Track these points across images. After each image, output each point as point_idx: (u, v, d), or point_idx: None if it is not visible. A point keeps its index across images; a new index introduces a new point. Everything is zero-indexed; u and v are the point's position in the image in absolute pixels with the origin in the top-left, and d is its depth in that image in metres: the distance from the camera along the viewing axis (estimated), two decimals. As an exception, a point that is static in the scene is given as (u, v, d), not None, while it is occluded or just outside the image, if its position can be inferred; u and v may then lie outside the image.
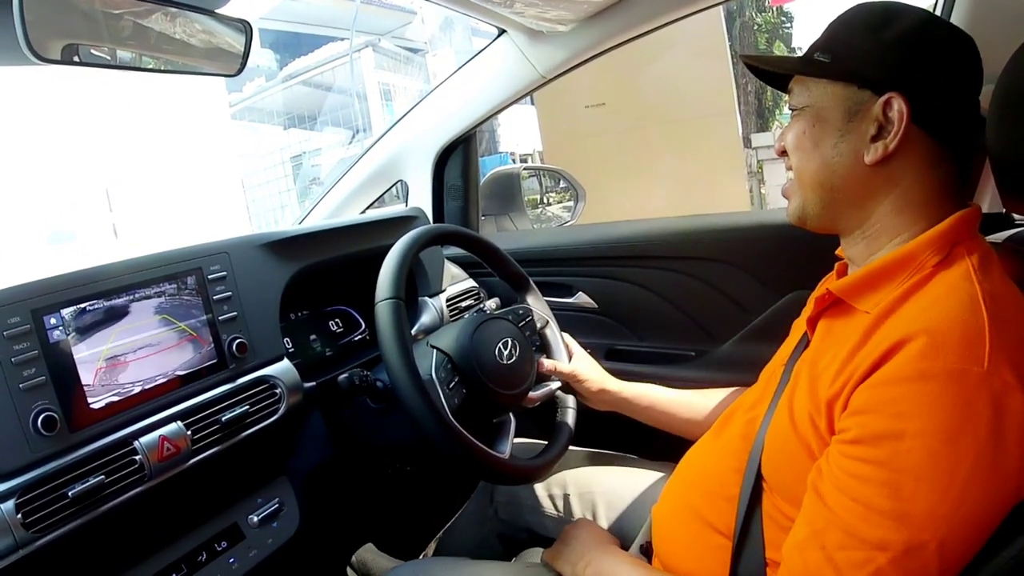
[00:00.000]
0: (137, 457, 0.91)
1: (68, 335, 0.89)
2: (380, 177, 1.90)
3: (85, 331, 0.91)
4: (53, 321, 0.88)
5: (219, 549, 1.03)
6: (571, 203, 2.57)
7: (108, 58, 0.96)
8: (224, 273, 1.10)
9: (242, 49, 1.09)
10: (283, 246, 1.23)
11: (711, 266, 1.47)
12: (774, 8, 10.34)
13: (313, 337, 1.40)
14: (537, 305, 1.30)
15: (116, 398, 0.93)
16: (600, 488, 1.23)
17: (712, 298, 1.48)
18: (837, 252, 0.88)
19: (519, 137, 9.02)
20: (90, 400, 0.90)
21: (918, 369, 0.63)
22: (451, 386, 1.05)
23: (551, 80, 1.63)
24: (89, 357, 0.91)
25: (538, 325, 1.28)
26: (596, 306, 1.63)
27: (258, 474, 1.13)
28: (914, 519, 0.60)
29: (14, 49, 0.79)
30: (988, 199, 1.19)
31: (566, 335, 1.31)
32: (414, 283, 1.48)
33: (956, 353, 0.62)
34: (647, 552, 1.01)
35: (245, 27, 1.08)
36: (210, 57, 1.09)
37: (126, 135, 7.28)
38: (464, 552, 1.33)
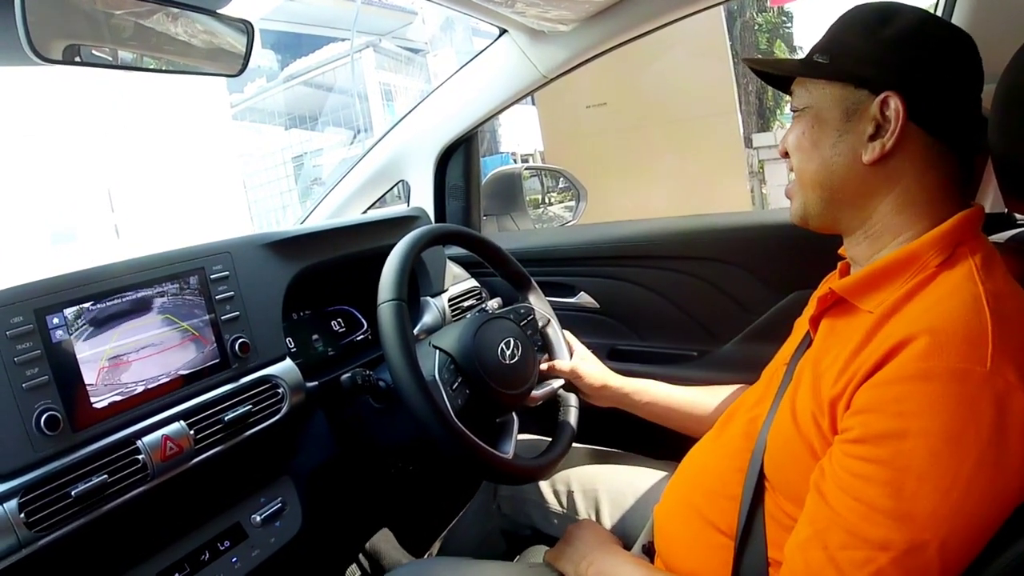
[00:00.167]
0: (140, 457, 0.91)
1: (71, 335, 0.89)
2: (382, 177, 1.90)
3: (88, 331, 0.91)
4: (56, 321, 0.88)
5: (222, 548, 1.03)
6: (573, 203, 2.57)
7: (110, 58, 0.96)
8: (226, 273, 1.10)
9: (243, 49, 1.10)
10: (285, 246, 1.23)
11: (713, 266, 1.47)
12: (775, 8, 10.34)
13: (315, 337, 1.40)
14: (538, 304, 1.30)
15: (119, 398, 0.93)
16: (603, 486, 1.23)
17: (714, 298, 1.47)
18: (840, 252, 0.88)
19: (520, 137, 9.02)
20: (93, 400, 0.90)
21: (921, 369, 0.63)
22: (454, 387, 1.05)
23: (552, 80, 1.63)
24: (92, 357, 0.91)
25: (540, 324, 1.28)
26: (598, 306, 1.63)
27: (261, 474, 1.13)
28: (916, 519, 0.60)
29: (16, 49, 0.79)
30: (990, 199, 1.19)
31: (567, 333, 1.31)
32: (416, 283, 1.48)
33: (959, 353, 0.62)
34: (649, 552, 1.01)
35: (246, 27, 1.08)
36: (212, 57, 1.09)
37: (128, 136, 7.29)
38: (468, 549, 1.34)
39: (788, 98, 0.87)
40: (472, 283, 1.62)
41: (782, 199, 0.91)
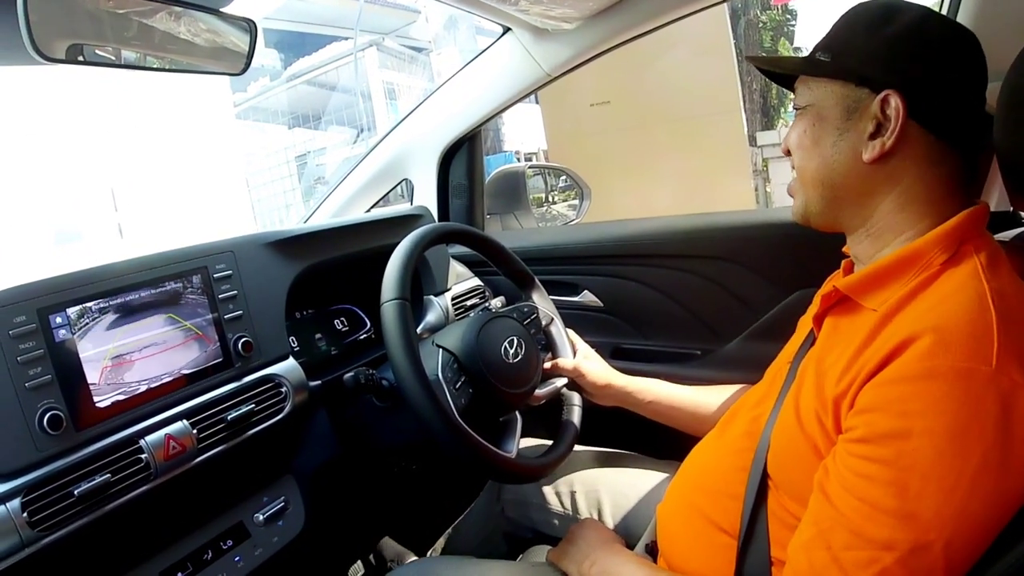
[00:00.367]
0: (143, 456, 0.91)
1: (74, 334, 0.89)
2: (385, 176, 1.90)
3: (91, 330, 0.91)
4: (59, 320, 0.88)
5: (224, 548, 1.03)
6: (576, 201, 2.57)
7: (113, 58, 0.96)
8: (229, 272, 1.10)
9: (247, 48, 1.09)
10: (288, 245, 1.23)
11: (717, 264, 1.46)
12: (778, 6, 10.32)
13: (318, 336, 1.40)
14: (542, 302, 1.29)
15: (122, 397, 0.93)
16: (606, 487, 1.23)
17: (718, 297, 1.47)
18: (843, 250, 0.88)
19: (524, 135, 9.00)
20: (96, 399, 0.90)
21: (925, 367, 0.62)
22: (457, 386, 1.05)
23: (556, 78, 1.63)
24: (95, 356, 0.91)
25: (543, 323, 1.28)
26: (602, 305, 1.62)
27: (263, 473, 1.13)
28: (920, 519, 0.60)
29: (19, 49, 0.79)
30: (995, 197, 1.19)
31: (570, 331, 1.31)
32: (419, 282, 1.48)
33: (964, 352, 0.62)
34: (652, 551, 1.01)
35: (250, 26, 1.08)
36: (215, 56, 1.09)
37: (131, 135, 7.29)
38: (471, 549, 1.34)
39: (792, 96, 0.87)
40: (475, 282, 1.62)
41: (786, 197, 0.91)
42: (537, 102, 5.59)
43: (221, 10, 1.05)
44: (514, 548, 1.30)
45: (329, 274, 1.33)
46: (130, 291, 0.97)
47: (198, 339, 1.04)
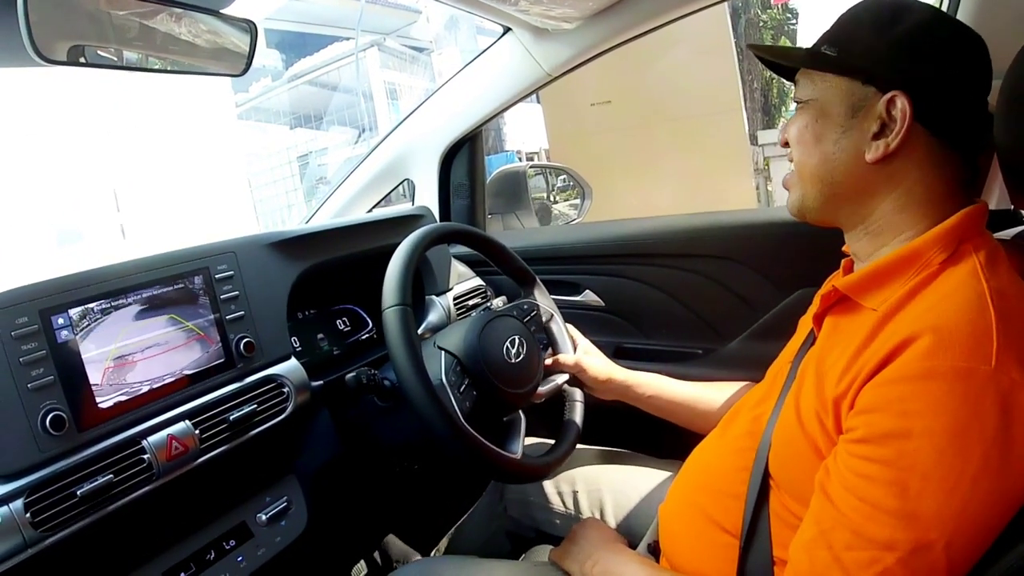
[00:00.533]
0: (145, 456, 0.91)
1: (76, 335, 0.89)
2: (386, 176, 1.90)
3: (93, 331, 0.91)
4: (61, 321, 0.88)
5: (227, 548, 1.03)
6: (577, 201, 2.57)
7: (114, 59, 0.96)
8: (231, 272, 1.10)
9: (247, 49, 1.10)
10: (290, 245, 1.23)
11: (718, 264, 1.46)
12: (779, 5, 10.31)
13: (320, 336, 1.41)
14: (541, 299, 1.30)
15: (124, 397, 0.93)
16: (608, 486, 1.23)
17: (719, 296, 1.47)
18: (844, 249, 0.88)
19: (525, 135, 8.99)
20: (98, 399, 0.90)
21: (925, 367, 0.62)
22: (461, 390, 1.05)
23: (557, 78, 1.63)
24: (97, 357, 0.91)
25: (543, 319, 1.28)
26: (603, 304, 1.62)
27: (266, 473, 1.13)
28: (921, 519, 0.60)
29: (19, 50, 0.79)
30: (996, 195, 1.19)
31: (570, 327, 1.31)
32: (421, 282, 1.48)
33: (963, 351, 0.62)
34: (655, 551, 1.01)
35: (250, 27, 1.08)
36: (215, 57, 1.09)
37: (134, 136, 7.29)
38: (474, 549, 1.34)
39: (793, 95, 0.86)
40: (477, 281, 1.62)
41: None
42: (538, 102, 5.60)
43: (221, 11, 1.05)
44: (517, 548, 1.30)
45: (331, 274, 1.33)
46: (132, 292, 0.97)
47: (200, 340, 1.04)
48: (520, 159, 8.51)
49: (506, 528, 1.32)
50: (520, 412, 1.17)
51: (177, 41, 1.03)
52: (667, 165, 4.64)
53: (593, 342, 1.32)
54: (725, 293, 1.46)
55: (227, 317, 1.08)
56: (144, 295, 0.98)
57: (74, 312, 0.90)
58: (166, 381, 0.99)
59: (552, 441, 1.19)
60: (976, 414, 0.60)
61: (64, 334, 0.88)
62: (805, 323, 0.96)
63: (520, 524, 1.31)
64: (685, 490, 0.96)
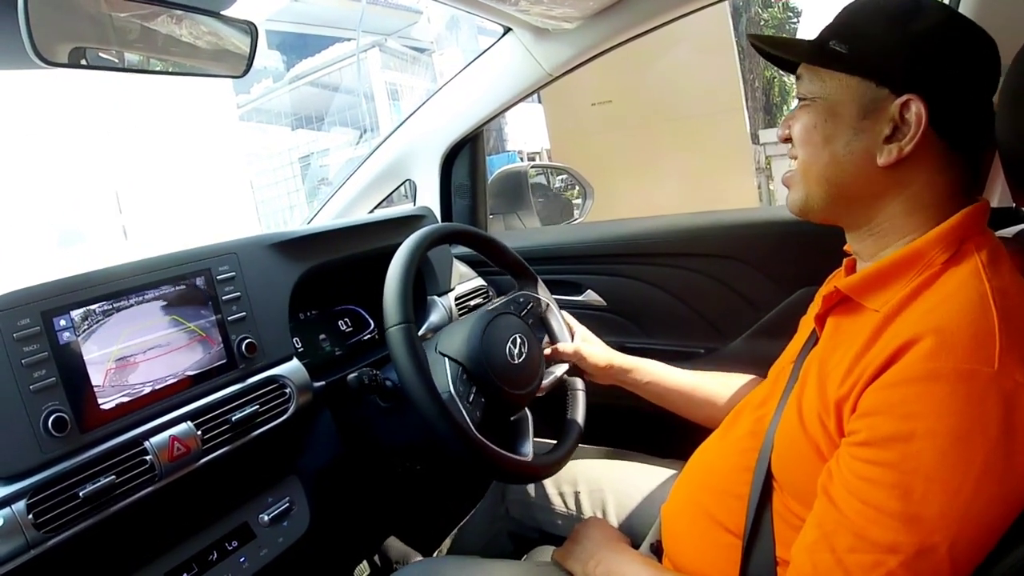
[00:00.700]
0: (147, 457, 0.91)
1: (78, 336, 0.90)
2: (388, 176, 1.90)
3: (95, 332, 0.91)
4: (63, 323, 0.88)
5: (230, 548, 1.03)
6: (579, 201, 2.56)
7: (115, 61, 0.96)
8: (233, 273, 1.10)
9: (248, 50, 1.09)
10: (292, 246, 1.23)
11: (720, 263, 1.46)
12: (780, 4, 10.30)
13: (322, 336, 1.40)
14: (535, 290, 1.30)
15: (126, 399, 0.93)
16: (610, 486, 1.22)
17: (721, 295, 1.47)
18: (845, 248, 0.87)
19: (526, 135, 8.99)
20: (100, 401, 0.90)
21: (927, 369, 0.62)
22: (470, 399, 1.05)
23: (558, 78, 1.63)
24: (99, 358, 0.91)
25: (540, 310, 1.28)
26: (605, 304, 1.62)
27: (268, 473, 1.13)
28: (925, 521, 0.60)
29: (20, 52, 0.79)
30: (997, 193, 1.18)
31: (566, 314, 1.31)
32: (423, 282, 1.48)
33: (965, 353, 0.61)
34: (657, 551, 1.00)
35: (250, 28, 1.08)
36: (216, 59, 1.09)
37: (135, 138, 7.29)
38: (477, 549, 1.34)
39: (795, 95, 0.84)
40: (479, 282, 1.62)
41: (790, 196, 0.89)
42: (540, 102, 5.60)
43: (222, 13, 1.05)
44: (519, 548, 1.30)
45: (333, 275, 1.33)
46: (134, 293, 0.97)
47: (202, 341, 1.04)
48: (522, 159, 8.50)
49: (508, 529, 1.32)
50: (527, 410, 1.17)
51: (178, 43, 1.03)
52: (669, 164, 4.63)
53: (595, 342, 1.32)
54: (727, 292, 1.46)
55: (229, 318, 1.08)
56: (146, 296, 0.98)
57: (76, 313, 0.90)
58: (168, 382, 0.99)
59: (553, 442, 1.19)
60: (979, 416, 0.60)
61: (66, 335, 0.88)
62: (807, 323, 0.95)
63: (522, 525, 1.30)
64: (688, 490, 0.96)
